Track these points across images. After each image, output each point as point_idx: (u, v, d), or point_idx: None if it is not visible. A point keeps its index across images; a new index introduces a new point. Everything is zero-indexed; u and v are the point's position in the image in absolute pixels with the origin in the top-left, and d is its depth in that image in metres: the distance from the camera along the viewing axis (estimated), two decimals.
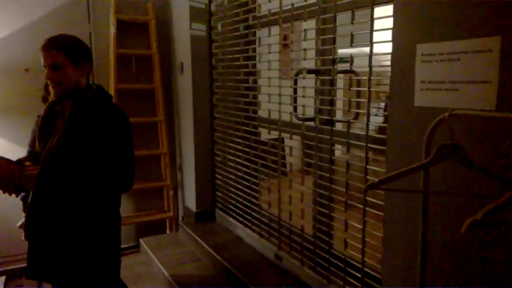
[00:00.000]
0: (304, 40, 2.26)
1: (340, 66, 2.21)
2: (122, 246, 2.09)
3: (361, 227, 1.95)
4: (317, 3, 2.17)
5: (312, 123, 2.31)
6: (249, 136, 2.91)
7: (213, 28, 3.25)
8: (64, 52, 1.80)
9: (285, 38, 2.53)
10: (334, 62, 2.12)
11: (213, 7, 3.22)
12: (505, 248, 1.26)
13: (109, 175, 1.82)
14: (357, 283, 2.02)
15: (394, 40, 1.59)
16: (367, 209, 1.91)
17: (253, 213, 2.92)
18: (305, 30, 2.24)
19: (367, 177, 1.91)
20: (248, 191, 2.97)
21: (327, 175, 2.20)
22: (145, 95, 3.74)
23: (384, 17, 1.71)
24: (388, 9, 1.65)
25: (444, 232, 1.43)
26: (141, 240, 3.49)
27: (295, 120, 2.42)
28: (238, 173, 3.07)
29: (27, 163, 1.86)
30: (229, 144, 3.15)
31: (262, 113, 2.86)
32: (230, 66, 3.05)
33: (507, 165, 1.23)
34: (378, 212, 1.80)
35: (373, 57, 1.83)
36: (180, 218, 3.89)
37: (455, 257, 1.41)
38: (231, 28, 2.99)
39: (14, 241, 3.15)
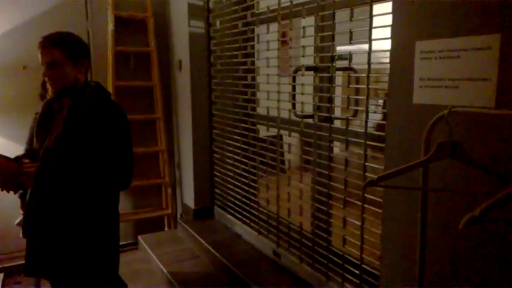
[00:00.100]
0: (303, 37, 2.25)
1: (339, 64, 2.21)
2: (120, 244, 2.09)
3: (359, 224, 1.96)
4: (316, 0, 2.17)
5: (310, 121, 2.31)
6: (247, 133, 2.90)
7: (212, 25, 3.24)
8: (61, 49, 1.80)
9: (283, 35, 2.52)
10: (333, 59, 2.12)
11: (212, 4, 3.21)
12: (504, 245, 1.26)
13: (107, 172, 1.82)
14: (355, 280, 2.03)
15: (393, 37, 1.59)
16: (365, 206, 1.91)
17: (251, 210, 2.93)
18: (304, 27, 2.24)
19: (366, 174, 1.92)
20: (247, 188, 2.97)
21: (326, 172, 2.20)
22: (143, 92, 3.73)
23: (382, 14, 1.71)
24: (387, 6, 1.65)
25: (443, 229, 1.43)
26: (139, 238, 3.49)
27: (293, 118, 2.42)
28: (236, 170, 3.07)
29: (26, 160, 1.86)
30: (227, 141, 3.15)
31: (261, 110, 2.86)
32: (229, 63, 3.05)
33: (506, 163, 1.23)
34: (377, 209, 1.81)
35: (372, 54, 1.83)
36: (179, 215, 3.89)
37: (453, 254, 1.41)
38: (229, 25, 2.98)
39: (12, 238, 3.15)
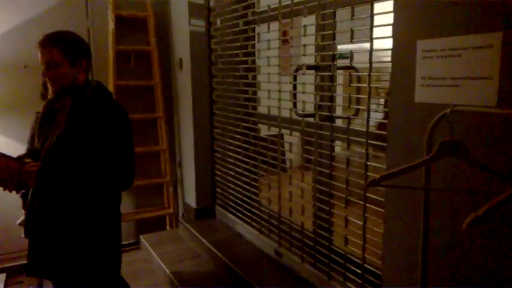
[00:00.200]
0: (304, 36, 2.25)
1: (340, 62, 2.20)
2: (122, 243, 2.09)
3: (361, 223, 1.95)
4: None
5: (311, 120, 2.31)
6: (248, 132, 2.90)
7: (212, 24, 3.24)
8: (60, 49, 1.79)
9: (284, 33, 2.52)
10: (334, 58, 2.11)
11: (212, 3, 3.20)
12: (507, 245, 1.26)
13: (109, 172, 1.81)
14: (357, 279, 2.03)
15: (395, 36, 1.58)
16: (367, 205, 1.91)
17: (253, 210, 2.92)
18: (305, 26, 2.23)
19: (368, 173, 1.91)
20: (248, 187, 2.97)
21: (327, 171, 2.19)
22: (144, 91, 3.73)
23: (384, 12, 1.70)
24: (388, 5, 1.65)
25: (445, 228, 1.43)
26: (141, 237, 3.49)
27: (295, 117, 2.42)
28: (238, 170, 3.06)
29: (28, 160, 1.85)
30: (228, 140, 3.15)
31: (262, 109, 2.86)
32: (229, 62, 3.04)
33: (508, 162, 1.22)
34: (379, 209, 1.80)
35: (373, 53, 1.82)
36: (180, 215, 3.89)
37: (456, 254, 1.41)
38: (230, 24, 2.98)
39: (14, 238, 3.15)
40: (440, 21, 1.39)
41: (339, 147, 2.37)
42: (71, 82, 1.84)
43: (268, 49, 2.58)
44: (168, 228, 3.81)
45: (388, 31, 1.61)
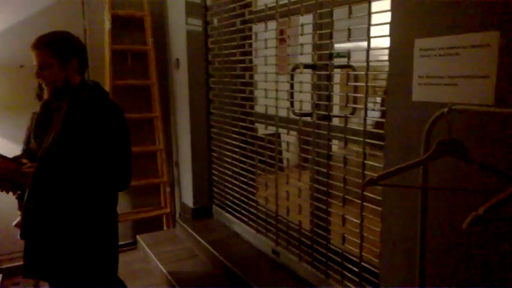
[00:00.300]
0: (301, 35, 2.25)
1: (337, 61, 2.20)
2: (119, 243, 2.08)
3: (358, 222, 1.95)
4: None
5: (308, 119, 2.31)
6: (245, 132, 2.90)
7: (209, 23, 3.23)
8: (50, 50, 1.78)
9: (281, 32, 2.52)
10: (331, 56, 2.11)
11: (209, 2, 3.20)
12: (506, 244, 1.26)
13: (106, 173, 1.81)
14: (355, 278, 2.03)
15: (392, 35, 1.58)
16: (364, 203, 1.91)
17: (250, 209, 2.92)
18: (302, 25, 2.23)
19: (365, 172, 1.91)
20: (245, 186, 2.96)
21: (325, 170, 2.19)
22: (141, 91, 3.71)
23: (381, 11, 1.70)
24: (385, 4, 1.65)
25: (443, 227, 1.43)
26: (138, 237, 3.48)
27: (292, 116, 2.41)
28: (235, 169, 3.06)
29: (24, 161, 1.84)
30: (225, 140, 3.14)
31: (259, 109, 2.85)
32: (226, 61, 3.04)
33: (506, 161, 1.23)
34: (376, 207, 1.80)
35: (371, 51, 1.83)
36: (177, 215, 3.88)
37: (453, 253, 1.41)
38: (227, 23, 2.97)
39: (10, 239, 3.13)
40: (438, 19, 1.39)
41: (336, 146, 2.37)
42: (63, 82, 1.82)
43: (265, 48, 2.57)
44: (165, 228, 3.80)
45: (386, 30, 1.61)
